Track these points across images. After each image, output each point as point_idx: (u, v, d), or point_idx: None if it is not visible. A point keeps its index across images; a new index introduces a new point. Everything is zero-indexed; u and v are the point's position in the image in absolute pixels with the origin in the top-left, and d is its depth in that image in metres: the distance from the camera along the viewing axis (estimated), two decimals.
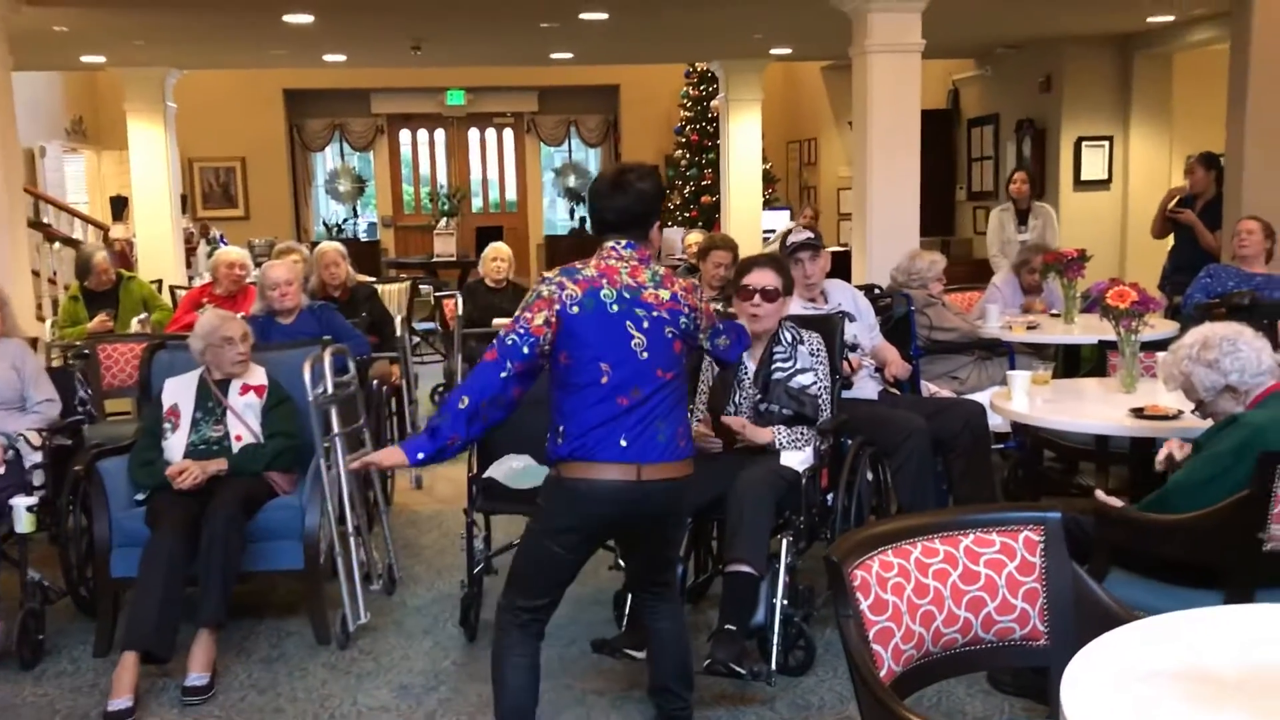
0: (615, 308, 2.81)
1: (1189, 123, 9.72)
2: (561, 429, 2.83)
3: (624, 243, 2.91)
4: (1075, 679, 1.78)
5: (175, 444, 4.09)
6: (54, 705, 3.65)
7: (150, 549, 3.77)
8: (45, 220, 10.75)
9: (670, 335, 2.86)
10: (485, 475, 4.18)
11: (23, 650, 3.90)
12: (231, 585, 3.83)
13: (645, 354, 2.82)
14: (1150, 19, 8.78)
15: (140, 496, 4.07)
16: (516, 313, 2.84)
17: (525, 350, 2.79)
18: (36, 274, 8.51)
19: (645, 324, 2.83)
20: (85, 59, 9.62)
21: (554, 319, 2.79)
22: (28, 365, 4.44)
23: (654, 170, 3.05)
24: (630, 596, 3.56)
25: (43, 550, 4.47)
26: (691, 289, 2.95)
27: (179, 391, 4.21)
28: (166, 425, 4.13)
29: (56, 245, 10.16)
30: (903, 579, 2.22)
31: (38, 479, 4.14)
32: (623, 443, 2.79)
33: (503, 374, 2.79)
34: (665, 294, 2.87)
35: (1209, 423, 3.14)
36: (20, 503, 3.90)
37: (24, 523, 3.89)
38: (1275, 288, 5.70)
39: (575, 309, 2.80)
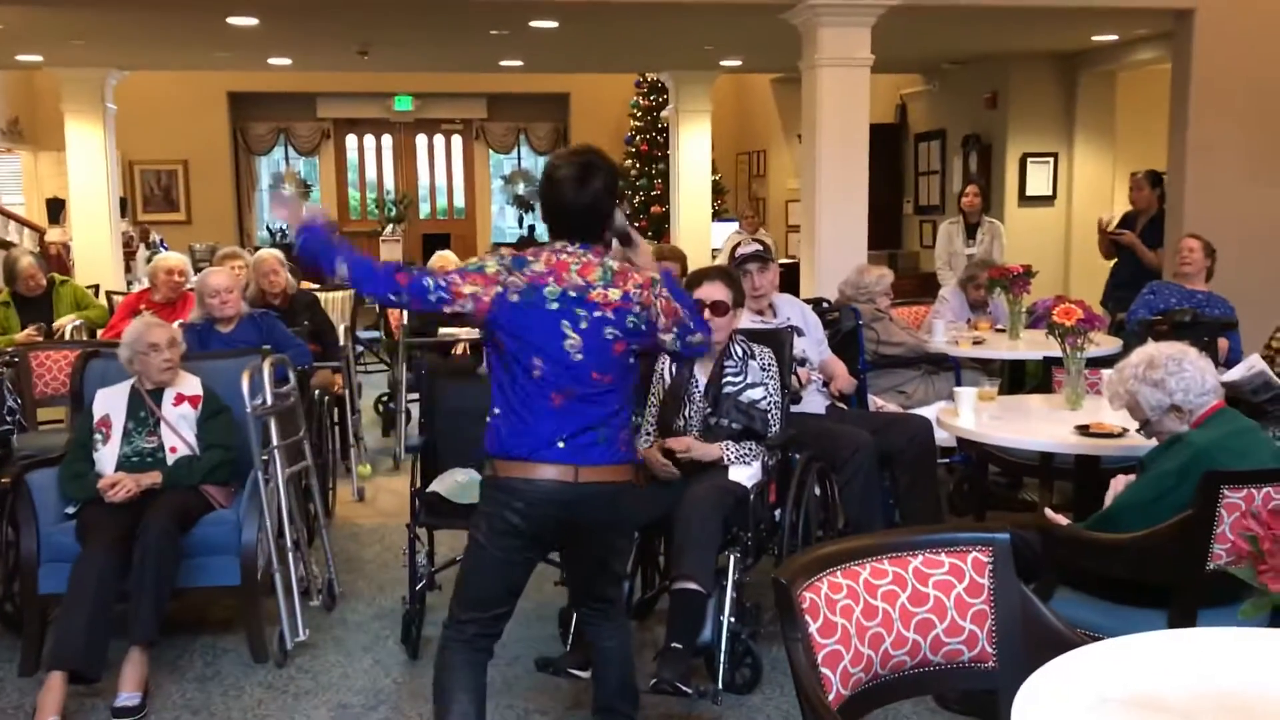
0: (554, 305, 2.73)
1: (1132, 140, 9.86)
2: (499, 413, 2.79)
3: (578, 244, 2.81)
4: (1024, 710, 1.76)
5: (107, 456, 3.97)
6: None
7: (80, 564, 3.66)
8: None
9: (611, 336, 2.75)
10: (429, 489, 4.11)
11: None
12: (165, 602, 3.72)
13: (579, 356, 2.73)
14: (1095, 38, 8.90)
15: (70, 510, 3.95)
16: (454, 268, 2.82)
17: (432, 299, 2.74)
18: None
19: (584, 324, 2.73)
20: (21, 58, 9.39)
21: (487, 300, 2.73)
22: None
23: (608, 164, 2.87)
24: (575, 613, 3.50)
25: None
26: (648, 284, 2.82)
27: (110, 401, 4.09)
28: (97, 436, 4.01)
29: None
30: (851, 600, 2.19)
31: None
32: (560, 444, 2.74)
33: (393, 295, 2.76)
34: (615, 293, 2.76)
35: (1153, 442, 3.15)
36: None
37: None
38: (1216, 305, 5.77)
39: (515, 297, 2.73)
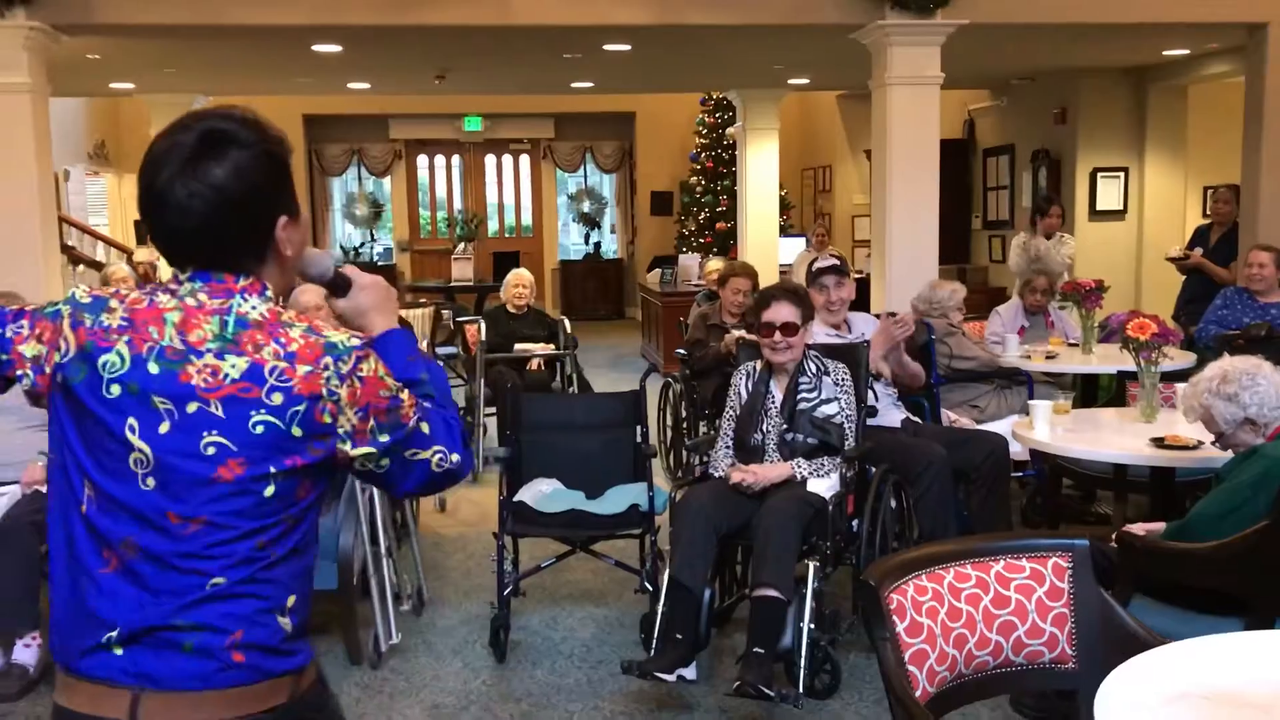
0: (115, 389, 1.54)
1: (1204, 154, 9.80)
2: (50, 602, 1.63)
3: (188, 273, 1.60)
4: (1106, 702, 1.86)
5: None
6: None
7: None
8: (70, 243, 10.90)
9: (211, 450, 1.53)
10: (515, 499, 4.27)
11: None
12: None
13: (150, 481, 1.54)
14: (1165, 52, 8.88)
15: None
16: (29, 308, 1.66)
17: None
18: None
19: (164, 425, 1.54)
20: (115, 85, 9.79)
21: (48, 373, 1.60)
22: None
23: (262, 136, 1.61)
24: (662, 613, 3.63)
25: None
26: (316, 354, 1.56)
27: None
28: None
29: (81, 268, 10.30)
30: (936, 603, 2.29)
31: None
32: (116, 648, 1.55)
33: None
34: (235, 366, 1.54)
35: (1229, 454, 3.22)
36: None
37: None
38: None
39: (60, 376, 1.59)
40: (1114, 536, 3.21)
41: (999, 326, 6.24)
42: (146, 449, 1.53)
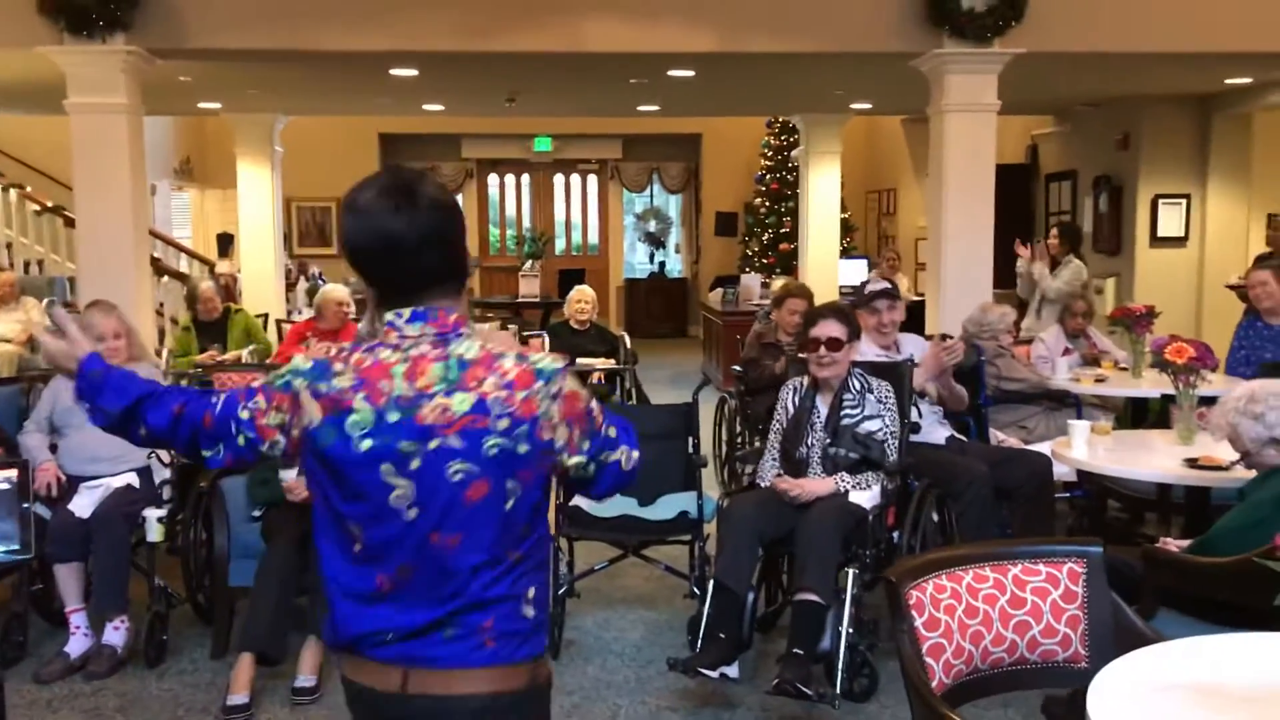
0: (365, 444, 1.80)
1: (1268, 182, 9.79)
2: (327, 598, 1.91)
3: (407, 314, 1.85)
4: (1100, 689, 2.02)
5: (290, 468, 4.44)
6: (178, 699, 4.02)
7: (266, 560, 4.13)
8: (155, 255, 11.38)
9: (459, 477, 1.79)
10: (571, 503, 4.49)
11: (149, 649, 4.28)
12: None
13: (414, 511, 1.80)
14: (1228, 80, 8.91)
15: (256, 513, 4.45)
16: (257, 384, 1.91)
17: (240, 442, 1.90)
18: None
19: (415, 463, 1.79)
20: (202, 105, 10.26)
21: (296, 436, 1.86)
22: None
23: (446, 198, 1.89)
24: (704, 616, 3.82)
25: (163, 560, 4.87)
26: (528, 380, 1.81)
27: None
28: None
29: (165, 279, 10.76)
30: (954, 601, 2.46)
31: (167, 493, 4.53)
32: (389, 636, 1.84)
33: (207, 450, 1.93)
34: (463, 402, 1.79)
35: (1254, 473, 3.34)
36: (152, 514, 4.31)
37: (155, 532, 4.29)
38: None
39: (311, 442, 1.85)
40: (1141, 551, 3.34)
41: (1044, 351, 6.34)
42: (405, 484, 1.79)
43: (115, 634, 4.27)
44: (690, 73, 8.22)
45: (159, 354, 7.87)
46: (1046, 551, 2.60)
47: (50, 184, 11.04)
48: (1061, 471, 5.02)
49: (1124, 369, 6.20)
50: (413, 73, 8.17)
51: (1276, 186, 9.55)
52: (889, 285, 5.19)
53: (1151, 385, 5.87)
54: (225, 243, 12.87)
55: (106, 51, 6.54)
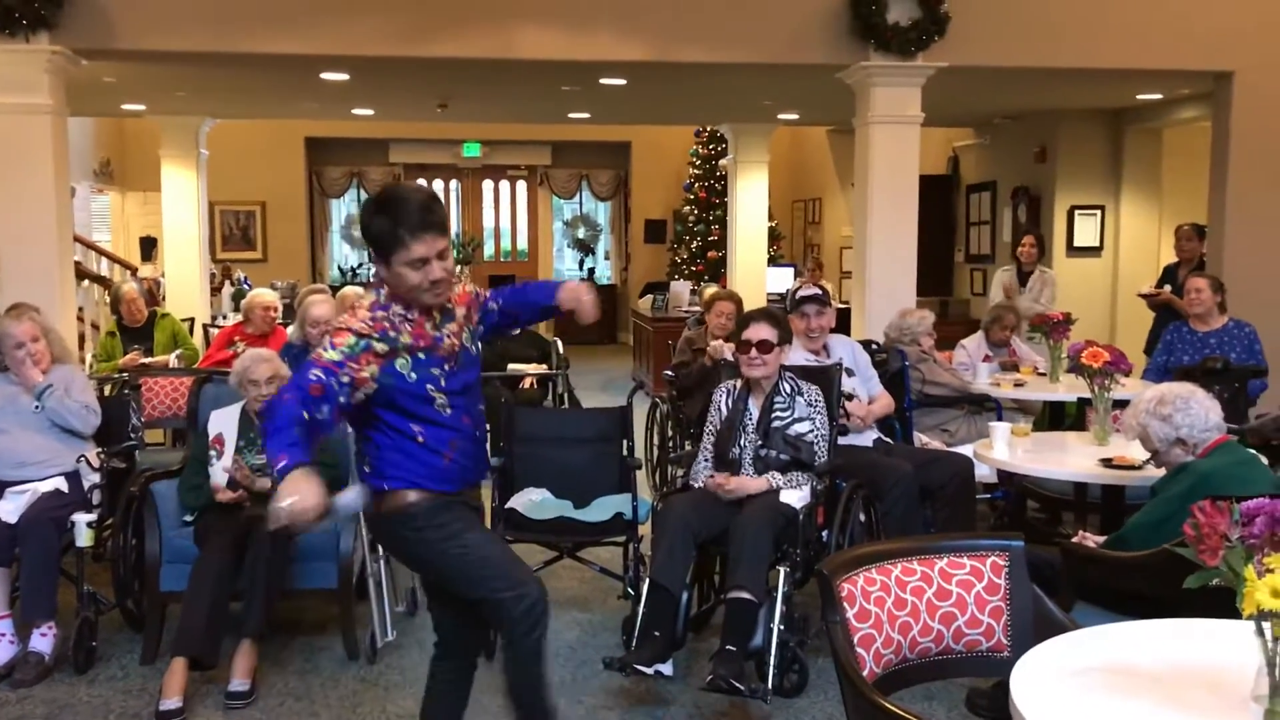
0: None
1: (1177, 194, 10.13)
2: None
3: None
4: (1021, 674, 2.13)
5: (220, 470, 4.44)
6: (108, 705, 3.98)
7: (200, 564, 4.11)
8: (75, 258, 11.14)
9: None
10: (507, 506, 4.53)
11: (78, 656, 4.23)
12: (274, 600, 4.16)
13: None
14: (1139, 96, 9.23)
15: (188, 518, 4.42)
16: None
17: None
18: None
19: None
20: (126, 106, 10.09)
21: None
22: (75, 383, 4.68)
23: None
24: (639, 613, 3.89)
25: (90, 566, 4.81)
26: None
27: (223, 422, 4.56)
28: (212, 452, 4.48)
29: (85, 283, 10.55)
30: (884, 593, 2.56)
31: (96, 498, 4.48)
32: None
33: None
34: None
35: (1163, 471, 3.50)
36: (81, 519, 4.26)
37: (84, 537, 4.25)
38: (1229, 347, 6.01)
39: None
40: (1060, 546, 3.49)
41: (965, 358, 6.54)
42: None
43: (43, 641, 4.22)
44: (622, 81, 8.31)
45: (82, 361, 7.76)
46: (971, 545, 2.71)
47: None
48: (983, 473, 5.19)
49: (1043, 374, 6.41)
50: (344, 77, 8.15)
51: (1185, 199, 9.88)
52: (819, 291, 5.31)
53: (1068, 389, 6.07)
54: (149, 246, 12.65)
55: (30, 51, 6.44)
